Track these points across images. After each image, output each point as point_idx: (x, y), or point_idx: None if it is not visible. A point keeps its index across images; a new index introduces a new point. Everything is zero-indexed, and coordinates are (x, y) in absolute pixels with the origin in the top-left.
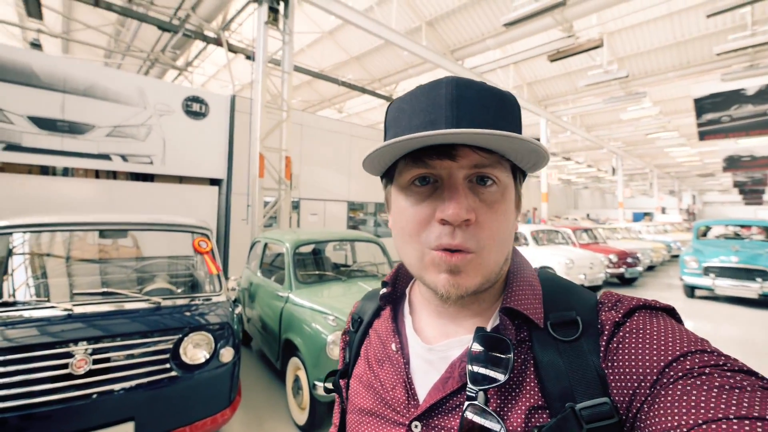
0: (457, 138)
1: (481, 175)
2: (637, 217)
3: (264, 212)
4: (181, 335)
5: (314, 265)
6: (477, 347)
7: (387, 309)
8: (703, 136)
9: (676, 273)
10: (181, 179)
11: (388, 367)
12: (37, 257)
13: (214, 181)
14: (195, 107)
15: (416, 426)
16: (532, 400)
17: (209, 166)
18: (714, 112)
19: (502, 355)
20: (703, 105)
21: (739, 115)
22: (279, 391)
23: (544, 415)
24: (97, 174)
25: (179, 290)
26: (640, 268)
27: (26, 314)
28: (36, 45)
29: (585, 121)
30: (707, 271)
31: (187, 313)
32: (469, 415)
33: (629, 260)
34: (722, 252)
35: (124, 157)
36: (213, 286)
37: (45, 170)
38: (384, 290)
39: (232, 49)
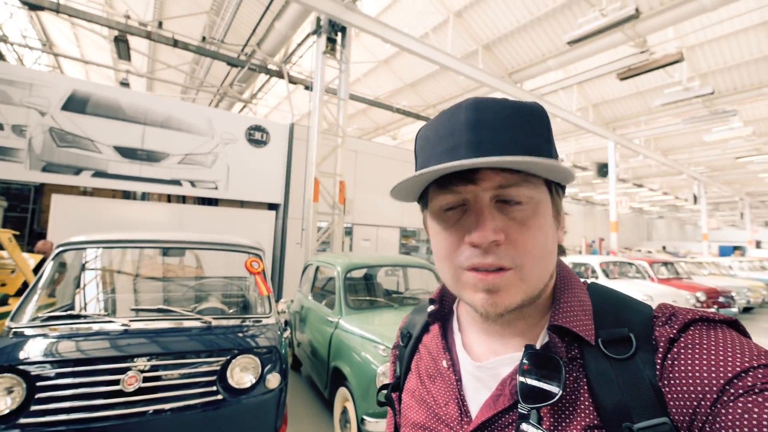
0: (469, 165)
1: (508, 196)
2: (725, 252)
3: (318, 236)
4: (229, 357)
5: (365, 290)
6: (528, 365)
7: (436, 326)
8: None
9: None
10: (242, 203)
11: (440, 383)
12: (108, 273)
13: (272, 206)
14: (257, 135)
15: None
16: (587, 419)
17: (268, 192)
18: None
19: (553, 373)
20: None
21: None
22: (327, 422)
23: None
24: (169, 198)
25: (231, 310)
26: (735, 309)
27: (93, 327)
28: (125, 84)
29: (660, 144)
30: None
31: (237, 335)
32: (524, 429)
33: (721, 299)
34: None
35: (192, 183)
36: (263, 307)
37: (126, 195)
38: (432, 307)
39: (292, 80)
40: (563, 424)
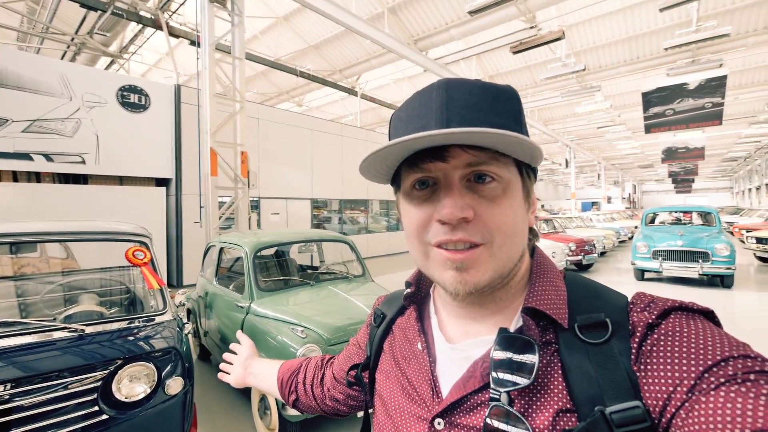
0: (436, 140)
1: (478, 173)
2: (586, 207)
3: (219, 214)
4: (113, 368)
5: (278, 269)
6: (500, 348)
7: (411, 308)
8: (649, 129)
9: (625, 257)
10: (121, 180)
11: (414, 364)
12: None
13: (160, 182)
14: (133, 98)
15: (439, 423)
16: (560, 403)
17: (154, 165)
18: (660, 106)
19: (526, 357)
20: (650, 99)
21: (681, 109)
22: (244, 412)
23: (573, 419)
24: (15, 177)
25: (112, 311)
26: (595, 255)
27: None
28: None
29: (543, 115)
30: (656, 255)
31: (121, 340)
32: (493, 416)
33: (586, 248)
34: (669, 237)
35: (47, 156)
36: (156, 303)
37: None
38: (408, 290)
39: (173, 32)
40: (534, 407)
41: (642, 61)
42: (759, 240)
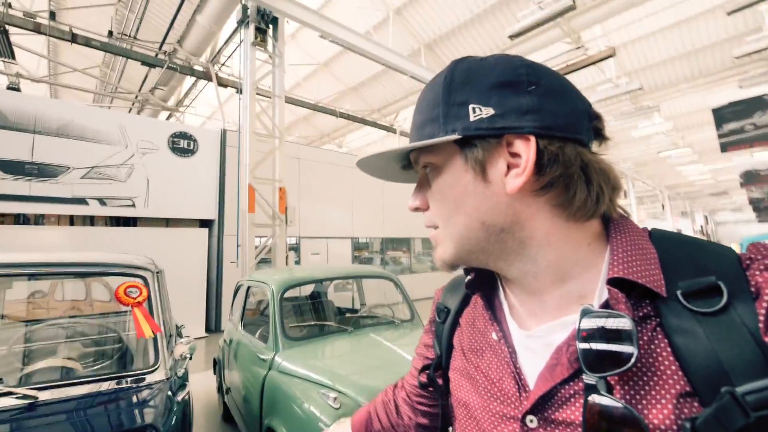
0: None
1: (425, 166)
2: None
3: (256, 252)
4: None
5: (312, 313)
6: (586, 329)
7: (477, 296)
8: (725, 147)
9: None
10: (167, 222)
11: (490, 356)
12: None
13: (204, 223)
14: (182, 144)
15: (531, 420)
16: (677, 386)
17: (198, 207)
18: (736, 122)
19: (621, 335)
20: (722, 115)
21: (764, 123)
22: None
23: (695, 404)
24: (72, 221)
25: (94, 367)
26: None
27: None
28: (14, 89)
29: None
30: None
31: (80, 413)
32: (594, 407)
33: None
34: None
35: (101, 201)
36: (147, 357)
37: (19, 219)
38: (468, 277)
39: (221, 82)
40: (642, 392)
41: (706, 75)
42: None
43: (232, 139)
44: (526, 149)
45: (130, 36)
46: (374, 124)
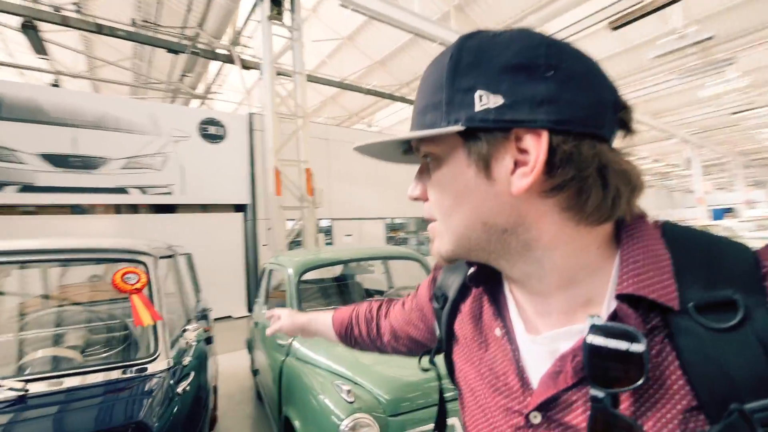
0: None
1: (425, 155)
2: (717, 215)
3: (285, 234)
4: None
5: (338, 295)
6: (594, 340)
7: (479, 290)
8: None
9: None
10: (203, 207)
11: (494, 350)
12: None
13: (239, 208)
14: (211, 130)
15: (536, 417)
16: (684, 402)
17: (232, 191)
18: None
19: (629, 348)
20: None
21: None
22: None
23: (701, 419)
24: (118, 209)
25: (95, 356)
26: None
27: None
28: (55, 86)
29: (650, 107)
30: None
31: (66, 407)
32: (600, 417)
33: None
34: None
35: (142, 189)
36: (146, 346)
37: (75, 210)
38: (471, 270)
39: (245, 65)
40: (648, 404)
41: None
42: None
43: (260, 123)
44: (537, 146)
45: (152, 23)
46: (403, 100)
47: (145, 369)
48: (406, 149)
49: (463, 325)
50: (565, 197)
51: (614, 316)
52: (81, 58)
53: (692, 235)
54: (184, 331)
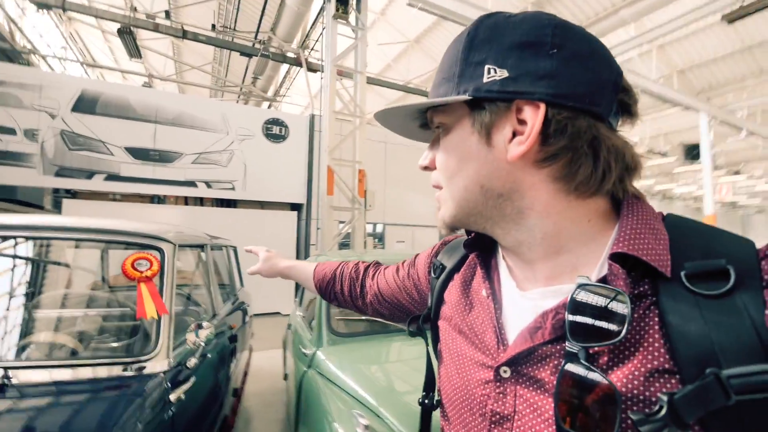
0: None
1: (437, 126)
2: None
3: (334, 235)
4: None
5: None
6: (580, 298)
7: (473, 256)
8: None
9: None
10: (262, 204)
11: (478, 310)
12: None
13: (294, 206)
14: (275, 130)
15: (505, 371)
16: (656, 362)
17: (289, 191)
18: None
19: (613, 308)
20: None
21: None
22: None
23: (673, 381)
24: (186, 201)
25: (109, 345)
26: None
27: None
28: (147, 87)
29: None
30: None
31: (43, 403)
32: (570, 372)
33: None
34: None
35: (208, 184)
36: (144, 342)
37: (154, 199)
38: (469, 237)
39: (311, 67)
40: (617, 361)
41: None
42: None
43: (321, 125)
44: (533, 117)
45: (230, 28)
46: None
47: (143, 368)
48: (423, 123)
49: (453, 290)
50: (558, 167)
51: (604, 280)
52: (170, 62)
53: (694, 223)
54: (200, 327)
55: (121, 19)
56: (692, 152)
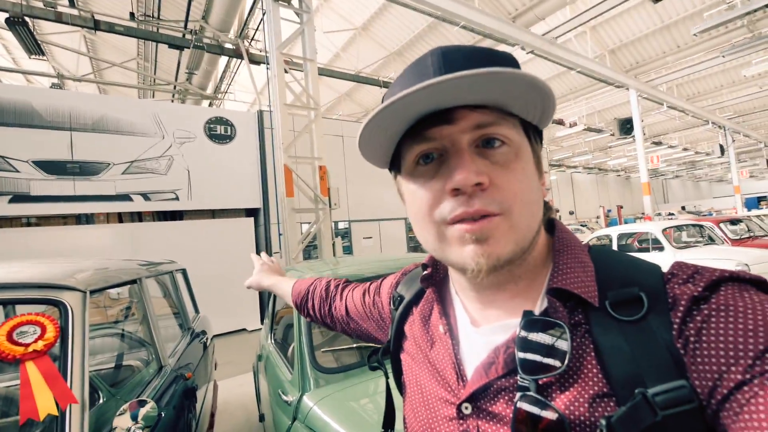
0: (442, 87)
1: (487, 138)
2: (750, 204)
3: (299, 240)
4: None
5: None
6: (525, 333)
7: (430, 291)
8: None
9: None
10: (213, 213)
11: (439, 347)
12: None
13: (250, 212)
14: (219, 130)
15: (467, 408)
16: (596, 388)
17: (242, 195)
18: None
19: (555, 341)
20: None
21: None
22: None
23: (611, 404)
24: (120, 218)
25: None
26: None
27: None
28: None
29: (684, 91)
30: None
31: None
32: (524, 405)
33: None
34: None
35: (145, 196)
36: None
37: (80, 219)
38: (425, 272)
39: (253, 59)
40: (566, 393)
41: None
42: None
43: (270, 120)
44: (542, 157)
45: (153, 17)
46: None
47: None
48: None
49: (413, 325)
50: None
51: (545, 313)
52: (84, 60)
53: (613, 254)
54: (141, 405)
55: (11, 7)
56: (625, 126)
